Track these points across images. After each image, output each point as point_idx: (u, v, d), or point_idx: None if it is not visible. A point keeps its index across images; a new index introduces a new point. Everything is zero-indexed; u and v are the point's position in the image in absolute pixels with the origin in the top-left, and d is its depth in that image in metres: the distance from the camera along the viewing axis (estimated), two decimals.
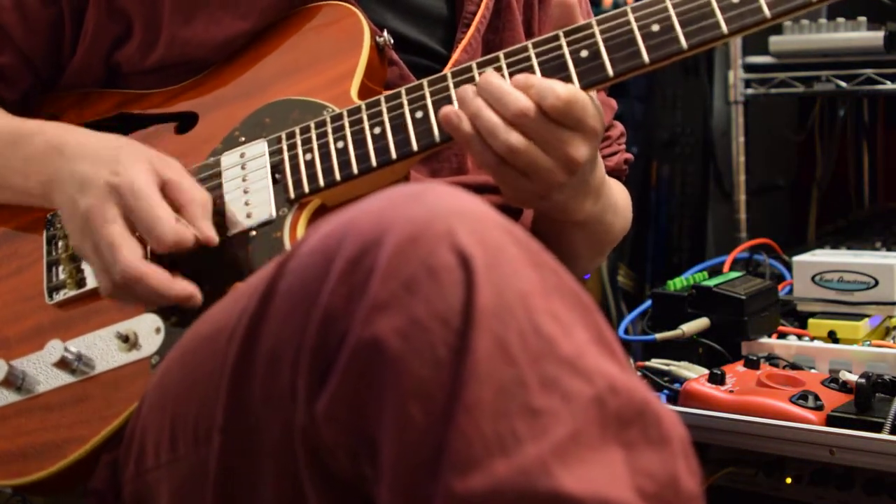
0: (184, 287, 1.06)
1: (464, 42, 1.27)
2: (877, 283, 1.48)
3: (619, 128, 1.44)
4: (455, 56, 1.26)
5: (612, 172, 1.39)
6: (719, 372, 1.29)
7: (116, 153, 1.09)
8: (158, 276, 1.05)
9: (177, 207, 1.07)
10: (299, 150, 1.14)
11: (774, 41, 2.14)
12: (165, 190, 1.08)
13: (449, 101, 1.09)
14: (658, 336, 1.42)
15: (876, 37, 2.01)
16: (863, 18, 2.04)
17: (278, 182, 1.14)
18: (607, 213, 1.24)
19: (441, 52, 1.30)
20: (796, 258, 1.58)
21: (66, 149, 1.13)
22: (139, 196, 1.05)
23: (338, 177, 1.12)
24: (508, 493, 0.71)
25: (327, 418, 0.78)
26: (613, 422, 0.74)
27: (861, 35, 2.04)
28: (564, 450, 0.72)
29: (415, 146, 1.10)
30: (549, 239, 1.25)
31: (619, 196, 1.33)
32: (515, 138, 1.03)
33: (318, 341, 0.79)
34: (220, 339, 0.90)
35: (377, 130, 1.11)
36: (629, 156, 1.44)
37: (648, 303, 1.52)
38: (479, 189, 1.27)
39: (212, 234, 1.08)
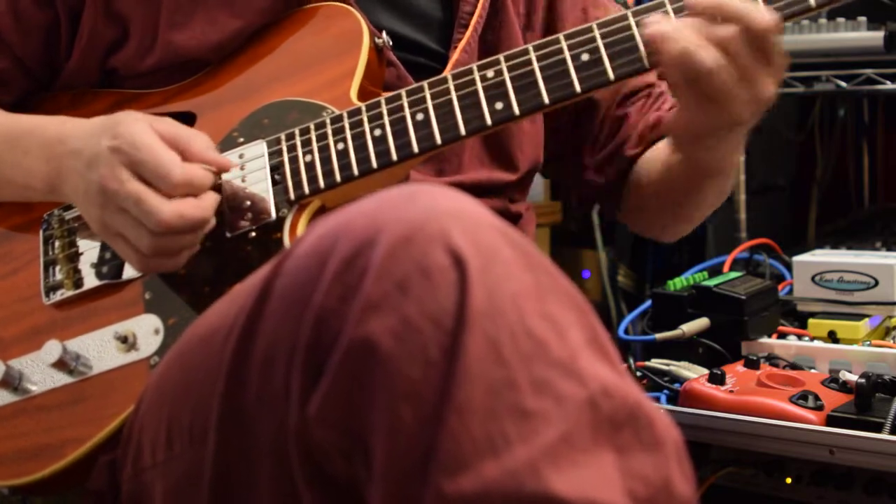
0: (211, 198, 1.08)
1: (462, 42, 1.27)
2: (877, 283, 1.47)
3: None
4: (455, 56, 1.26)
5: None
6: (719, 372, 1.28)
7: (111, 122, 1.10)
8: (191, 203, 1.06)
9: (180, 153, 1.08)
10: (299, 151, 1.14)
11: None
12: (165, 140, 1.08)
13: (450, 103, 1.10)
14: (658, 336, 1.42)
15: (876, 37, 2.01)
16: (863, 18, 2.04)
17: (278, 183, 1.14)
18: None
19: (438, 50, 1.30)
20: (796, 258, 1.57)
21: (65, 136, 1.14)
22: (140, 147, 1.06)
23: (338, 178, 1.12)
24: (497, 495, 0.71)
25: (319, 419, 0.78)
26: (606, 424, 0.74)
27: (861, 35, 2.03)
28: (555, 452, 0.72)
29: (415, 148, 1.10)
30: (688, 191, 1.31)
31: None
32: (714, 56, 1.03)
33: (311, 341, 0.79)
34: (216, 339, 0.91)
35: (378, 132, 1.11)
36: None
37: (648, 303, 1.52)
38: (479, 188, 1.27)
39: (223, 160, 1.10)
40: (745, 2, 1.04)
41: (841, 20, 2.05)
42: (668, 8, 1.08)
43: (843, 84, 2.09)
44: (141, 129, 1.07)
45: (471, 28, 1.28)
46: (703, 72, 1.04)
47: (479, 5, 1.29)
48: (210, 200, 1.08)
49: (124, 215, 1.07)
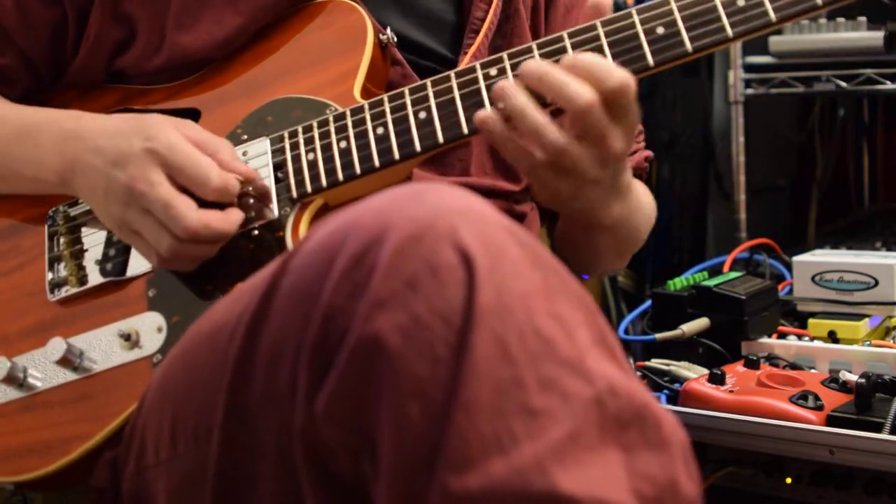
0: (238, 214, 1.08)
1: (473, 48, 1.27)
2: (877, 283, 1.48)
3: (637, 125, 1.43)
4: (465, 62, 1.26)
5: (633, 171, 1.39)
6: (719, 372, 1.29)
7: (141, 124, 1.11)
8: (218, 216, 1.07)
9: None
10: (302, 149, 1.14)
11: (774, 41, 2.14)
12: (196, 146, 1.09)
13: (453, 102, 1.09)
14: (658, 336, 1.42)
15: (876, 37, 2.01)
16: (863, 18, 2.05)
17: (281, 181, 1.14)
18: (633, 214, 1.24)
19: (447, 55, 1.29)
20: (796, 258, 1.58)
21: (85, 132, 1.14)
22: (178, 151, 1.06)
23: (340, 177, 1.12)
24: (504, 493, 0.71)
25: (326, 416, 0.78)
26: (613, 423, 0.74)
27: (861, 35, 2.04)
28: (562, 450, 0.72)
29: (418, 147, 1.10)
30: (578, 243, 1.27)
31: (643, 196, 1.33)
32: (563, 138, 1.00)
33: (318, 339, 0.79)
34: (221, 337, 0.90)
35: (380, 131, 1.11)
36: (649, 153, 1.42)
37: (648, 303, 1.52)
38: (483, 192, 1.27)
39: (250, 171, 1.10)
40: (597, 61, 0.99)
41: (841, 20, 2.06)
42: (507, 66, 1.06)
43: (843, 84, 2.09)
44: (175, 133, 1.08)
45: (482, 34, 1.27)
46: (555, 151, 1.00)
47: (492, 11, 1.29)
48: (236, 216, 1.08)
49: (148, 217, 1.07)
